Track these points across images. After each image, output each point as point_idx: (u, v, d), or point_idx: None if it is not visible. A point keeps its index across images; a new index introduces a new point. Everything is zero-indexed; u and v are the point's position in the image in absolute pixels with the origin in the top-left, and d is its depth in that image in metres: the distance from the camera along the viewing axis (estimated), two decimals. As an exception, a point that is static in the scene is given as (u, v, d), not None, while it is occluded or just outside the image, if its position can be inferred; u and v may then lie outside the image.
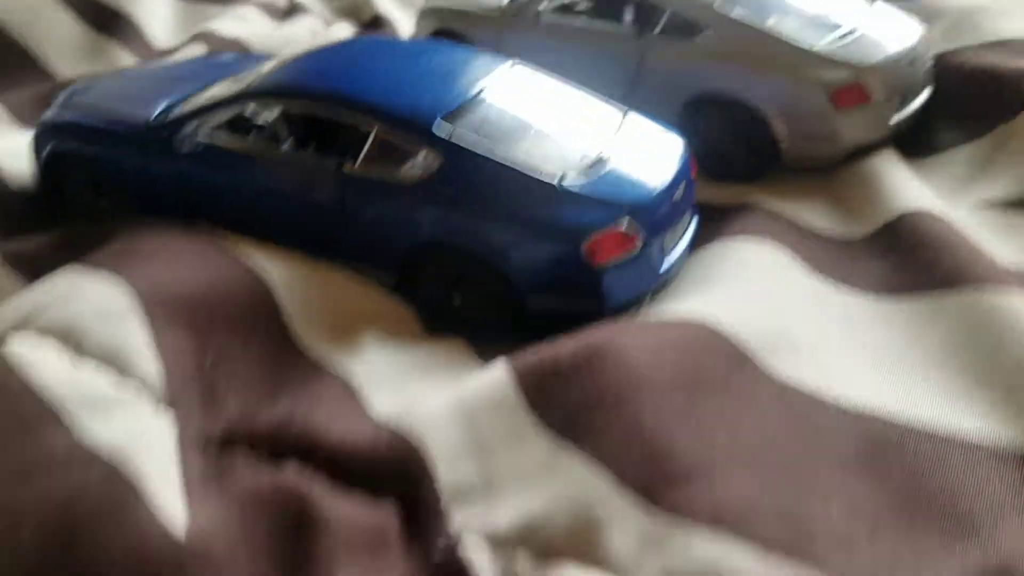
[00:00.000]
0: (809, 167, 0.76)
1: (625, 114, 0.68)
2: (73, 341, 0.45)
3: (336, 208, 0.62)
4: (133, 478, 0.39)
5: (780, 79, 0.74)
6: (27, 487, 0.38)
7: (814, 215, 0.70)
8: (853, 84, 0.73)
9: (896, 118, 0.75)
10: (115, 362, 0.45)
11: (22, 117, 0.84)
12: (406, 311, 0.62)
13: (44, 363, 0.44)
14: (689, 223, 0.67)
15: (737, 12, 0.77)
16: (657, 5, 0.79)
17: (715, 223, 0.69)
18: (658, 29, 0.79)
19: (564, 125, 0.66)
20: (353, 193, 0.62)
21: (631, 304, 0.62)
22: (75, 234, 0.63)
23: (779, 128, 0.74)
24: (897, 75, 0.76)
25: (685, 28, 0.78)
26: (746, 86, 0.75)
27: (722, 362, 0.49)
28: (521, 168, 0.61)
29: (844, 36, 0.77)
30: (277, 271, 0.57)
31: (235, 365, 0.49)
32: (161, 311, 0.49)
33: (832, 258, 0.64)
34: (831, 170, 0.75)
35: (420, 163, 0.61)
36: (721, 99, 0.76)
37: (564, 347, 0.50)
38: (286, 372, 0.51)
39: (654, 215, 0.61)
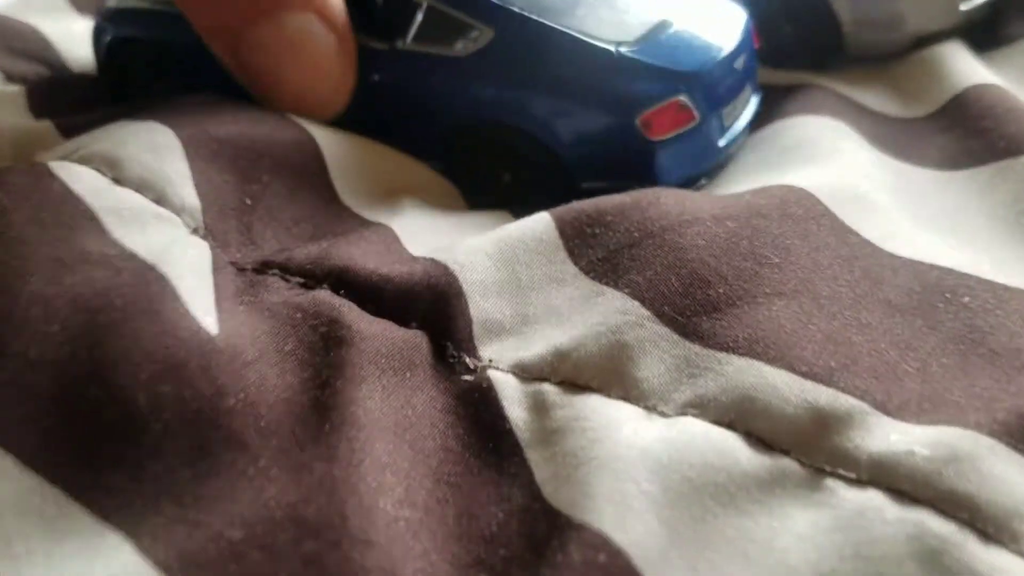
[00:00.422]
0: (873, 55, 0.72)
1: None
2: (114, 167, 0.44)
3: (390, 87, 0.59)
4: (167, 279, 0.38)
5: (844, -43, 0.70)
6: (61, 280, 0.37)
7: (877, 99, 0.66)
8: (923, -36, 0.69)
9: (967, 5, 0.71)
10: (154, 188, 0.44)
11: (79, 4, 0.83)
12: (453, 187, 0.60)
13: (85, 177, 0.43)
14: (750, 98, 0.61)
15: None
16: None
17: (773, 103, 0.66)
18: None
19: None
20: (405, 70, 0.58)
21: (687, 184, 0.56)
22: (132, 107, 0.62)
23: (842, 12, 0.71)
24: (971, -43, 0.71)
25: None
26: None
27: (781, 198, 0.46)
28: (577, 34, 0.55)
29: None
30: (326, 136, 0.55)
31: (275, 207, 0.48)
32: (204, 151, 0.47)
33: (894, 135, 0.60)
34: (896, 58, 0.71)
35: (473, 35, 0.57)
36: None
37: (610, 199, 0.48)
38: (327, 223, 0.50)
39: (715, 87, 0.55)
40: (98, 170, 0.44)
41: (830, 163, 0.53)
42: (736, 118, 0.59)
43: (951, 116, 0.60)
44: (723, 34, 0.58)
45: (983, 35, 0.73)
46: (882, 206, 0.49)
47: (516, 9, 0.56)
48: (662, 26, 0.57)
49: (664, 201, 0.46)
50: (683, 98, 0.54)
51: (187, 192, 0.44)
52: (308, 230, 0.48)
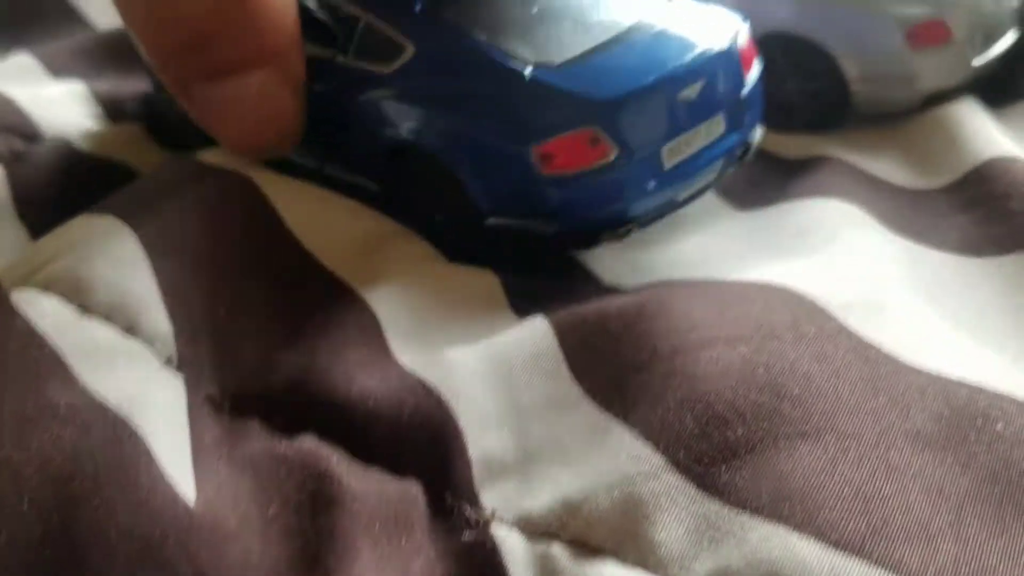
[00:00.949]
0: (883, 113, 0.69)
1: None
2: (80, 293, 0.42)
3: (330, 99, 0.55)
4: (140, 436, 0.36)
5: (852, 11, 0.67)
6: (29, 443, 0.34)
7: (889, 166, 0.63)
8: (932, 20, 0.66)
9: (979, 60, 0.68)
10: (124, 314, 0.41)
11: (55, 68, 0.79)
12: (426, 245, 0.57)
13: (49, 311, 0.41)
14: (724, 132, 0.53)
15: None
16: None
17: (780, 178, 0.62)
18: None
19: (589, 6, 0.54)
20: (343, 84, 0.54)
21: (606, 228, 0.50)
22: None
23: (849, 69, 0.68)
24: (982, 13, 0.68)
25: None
26: (812, 20, 0.67)
27: (792, 314, 0.43)
28: (493, 53, 0.49)
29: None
30: (281, 191, 0.52)
31: (250, 306, 0.45)
32: (171, 258, 0.45)
33: (910, 213, 0.57)
34: (907, 117, 0.68)
35: (399, 52, 0.53)
36: (783, 36, 0.69)
37: (612, 303, 0.45)
38: (305, 301, 0.47)
39: (645, 118, 0.48)
40: (64, 297, 0.41)
41: (840, 257, 0.50)
42: (691, 156, 0.51)
43: (971, 191, 0.57)
44: (679, 53, 0.51)
45: (996, 89, 0.70)
46: (900, 308, 0.46)
47: (439, 24, 0.52)
48: (611, 43, 0.51)
49: (671, 309, 0.43)
50: (595, 130, 0.47)
51: (158, 317, 0.42)
52: (287, 324, 0.45)
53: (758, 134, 0.57)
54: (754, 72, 0.55)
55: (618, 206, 0.50)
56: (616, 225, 0.50)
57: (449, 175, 0.51)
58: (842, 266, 0.49)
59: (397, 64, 0.53)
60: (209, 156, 0.55)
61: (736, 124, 0.53)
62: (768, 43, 0.69)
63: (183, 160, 0.54)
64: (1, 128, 0.67)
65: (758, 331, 0.41)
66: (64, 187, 0.62)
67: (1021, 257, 0.51)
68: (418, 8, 0.53)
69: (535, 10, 0.53)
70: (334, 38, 0.56)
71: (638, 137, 0.48)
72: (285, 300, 0.45)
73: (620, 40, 0.51)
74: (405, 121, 0.52)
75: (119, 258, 0.43)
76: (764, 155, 0.65)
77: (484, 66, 0.50)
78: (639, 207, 0.50)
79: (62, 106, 0.70)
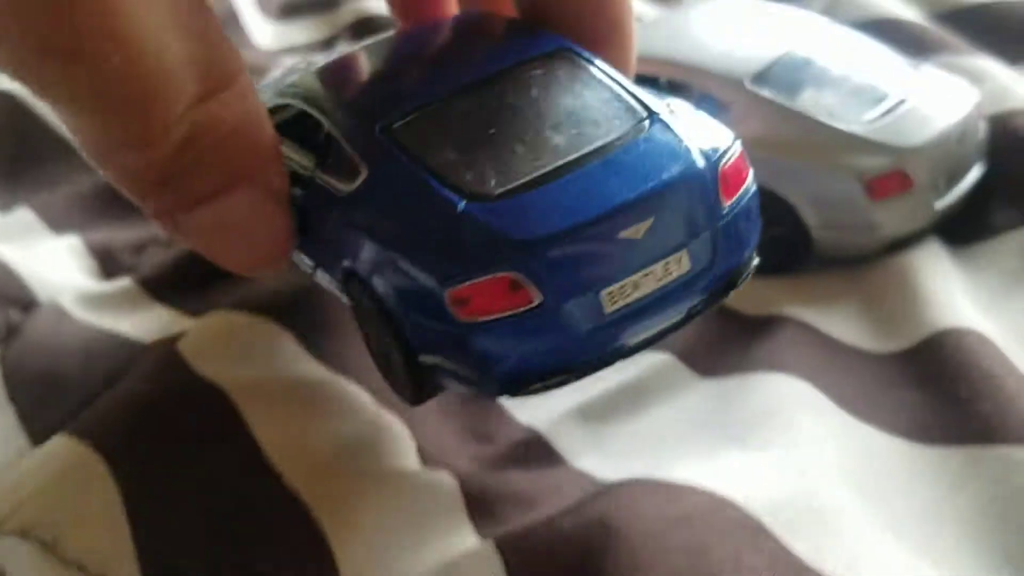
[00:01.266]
0: (844, 257, 0.70)
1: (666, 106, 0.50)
2: (56, 543, 0.45)
3: (304, 215, 0.53)
4: None
5: (809, 165, 0.68)
6: None
7: (847, 324, 0.64)
8: (892, 171, 0.67)
9: (942, 203, 0.69)
10: (95, 565, 0.45)
11: (54, 222, 0.79)
12: (398, 430, 0.59)
13: (27, 563, 0.44)
14: (698, 265, 0.47)
15: (766, 91, 0.71)
16: (685, 82, 0.74)
17: (740, 341, 0.62)
18: (683, 109, 0.73)
19: (554, 124, 0.48)
20: (314, 200, 0.52)
21: (537, 378, 0.45)
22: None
23: (809, 217, 0.69)
24: (945, 155, 0.69)
25: (711, 107, 0.72)
26: (772, 171, 0.68)
27: (735, 545, 0.46)
28: (432, 182, 0.46)
29: (888, 111, 0.70)
30: (259, 413, 0.55)
31: (224, 549, 0.48)
32: (148, 506, 0.48)
33: (863, 386, 0.58)
34: (869, 262, 0.69)
35: (357, 173, 0.49)
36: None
37: (562, 526, 0.47)
38: (266, 529, 0.50)
39: (571, 259, 0.44)
40: (40, 544, 0.45)
41: (793, 453, 0.52)
42: (643, 299, 0.45)
43: (924, 365, 0.58)
44: (627, 186, 0.45)
45: (961, 227, 0.71)
46: (844, 519, 0.48)
47: (392, 147, 0.48)
48: (559, 171, 0.46)
49: (617, 544, 0.45)
50: (514, 274, 0.43)
51: (131, 570, 0.45)
52: (246, 547, 0.48)
53: (752, 261, 0.50)
54: (743, 194, 0.49)
55: (549, 355, 0.45)
56: (550, 375, 0.45)
57: (385, 310, 0.47)
58: (793, 467, 0.50)
59: (353, 186, 0.50)
60: (189, 349, 0.59)
61: (710, 258, 0.47)
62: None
63: (164, 368, 0.57)
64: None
65: (704, 561, 0.43)
66: (57, 364, 0.65)
67: (965, 452, 0.52)
68: (377, 128, 0.49)
69: (492, 129, 0.48)
70: (311, 152, 0.54)
71: (567, 282, 0.44)
72: (249, 526, 0.48)
73: (570, 168, 0.46)
74: (349, 247, 0.49)
75: (94, 508, 0.46)
76: (723, 311, 0.67)
77: (421, 196, 0.46)
78: (575, 357, 0.45)
79: (58, 265, 0.74)
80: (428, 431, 0.59)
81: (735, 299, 0.67)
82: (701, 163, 0.46)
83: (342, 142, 0.51)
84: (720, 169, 0.47)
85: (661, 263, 0.46)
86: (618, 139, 0.48)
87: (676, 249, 0.46)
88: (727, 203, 0.48)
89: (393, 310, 0.46)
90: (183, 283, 0.73)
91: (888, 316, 0.64)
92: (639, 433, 0.58)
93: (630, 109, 0.49)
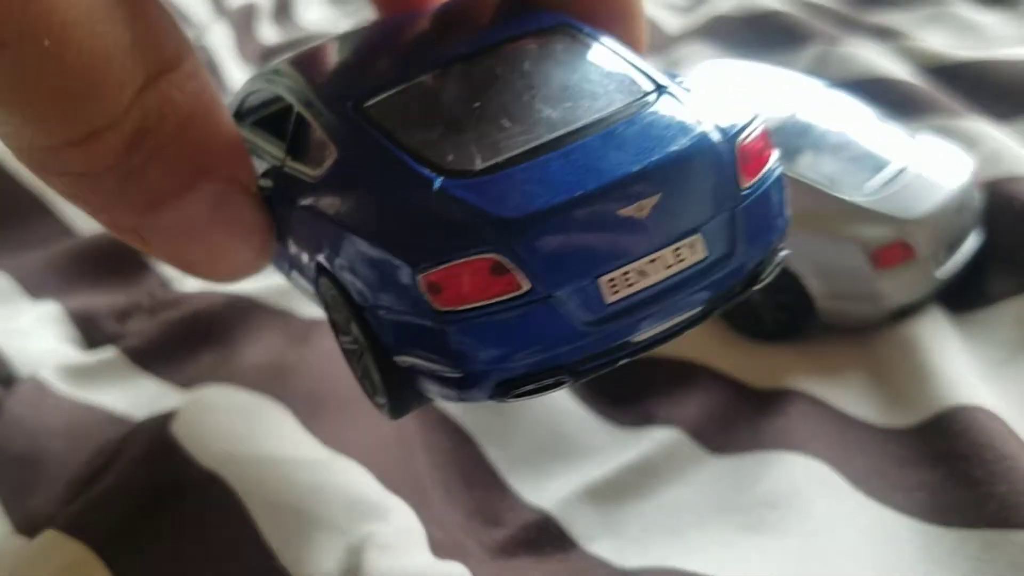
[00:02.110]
0: (849, 327, 0.70)
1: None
2: None
3: (275, 210, 0.48)
4: None
5: (814, 234, 0.68)
6: None
7: (855, 397, 0.64)
8: (895, 242, 0.67)
9: (943, 272, 0.69)
10: None
11: (32, 288, 0.75)
12: (407, 518, 0.57)
13: None
14: (715, 252, 0.41)
15: (769, 158, 0.71)
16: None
17: (750, 417, 0.61)
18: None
19: (546, 97, 0.44)
20: (281, 193, 0.47)
21: (527, 378, 0.39)
22: None
23: (813, 286, 0.69)
24: (945, 224, 0.69)
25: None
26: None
27: None
28: (405, 158, 0.41)
29: (889, 181, 0.70)
30: (264, 507, 0.53)
31: None
32: None
33: (876, 464, 0.58)
34: (873, 333, 0.69)
35: (326, 154, 0.45)
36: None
37: None
38: None
39: (563, 240, 0.38)
40: None
41: (808, 541, 0.51)
42: (651, 288, 0.40)
43: (936, 441, 0.58)
44: (631, 157, 0.39)
45: (961, 294, 0.71)
46: None
47: (362, 124, 0.43)
48: (552, 144, 0.41)
49: None
50: (498, 256, 0.38)
51: None
52: None
53: (780, 253, 0.44)
54: (765, 175, 0.43)
55: (541, 352, 0.39)
56: (542, 375, 0.39)
57: (353, 304, 0.42)
58: (814, 556, 0.49)
59: (321, 170, 0.44)
60: (184, 433, 0.56)
61: (729, 245, 0.41)
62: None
63: (159, 455, 0.54)
64: None
65: None
66: (40, 443, 0.62)
67: (983, 536, 0.51)
68: (349, 106, 0.44)
69: (476, 104, 0.43)
70: (282, 142, 0.49)
71: (560, 266, 0.38)
72: None
73: (564, 141, 0.41)
74: (317, 239, 0.44)
75: None
76: (732, 384, 0.66)
77: (395, 176, 0.41)
78: (571, 354, 0.39)
79: (37, 334, 0.71)
80: (435, 514, 0.57)
81: (741, 371, 0.67)
82: (716, 137, 0.41)
83: (313, 123, 0.45)
84: (738, 145, 0.41)
85: (671, 248, 0.40)
86: (620, 111, 0.42)
87: (688, 233, 0.40)
88: (747, 183, 0.42)
89: (363, 304, 0.41)
90: (170, 352, 0.70)
91: (896, 390, 0.63)
92: (652, 516, 0.57)
93: (635, 82, 0.44)
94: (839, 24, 1.06)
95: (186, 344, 0.70)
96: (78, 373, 0.68)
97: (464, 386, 0.40)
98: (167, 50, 0.37)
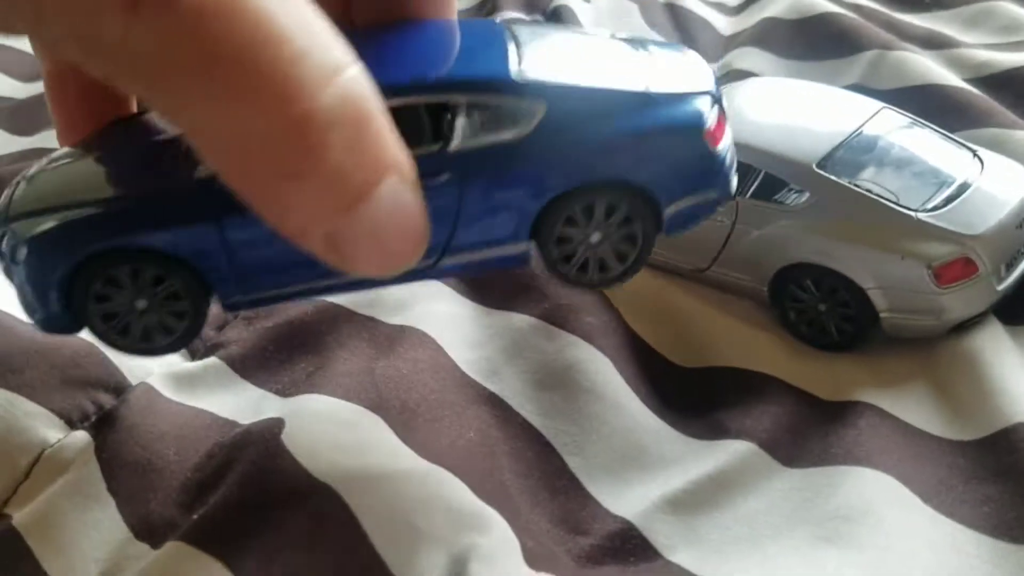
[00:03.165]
0: (910, 337, 0.73)
1: None
2: None
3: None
4: None
5: (878, 251, 0.71)
6: None
7: (920, 410, 0.67)
8: (958, 259, 0.70)
9: (1003, 286, 0.72)
10: None
11: None
12: (502, 529, 0.58)
13: None
14: None
15: (835, 175, 0.74)
16: (751, 164, 0.76)
17: (820, 428, 0.64)
18: (750, 191, 0.76)
19: None
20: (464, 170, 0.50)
21: None
22: None
23: (879, 301, 0.71)
24: (1005, 239, 0.72)
25: (779, 191, 0.75)
26: (842, 257, 0.70)
27: None
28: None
29: (952, 198, 0.72)
30: (373, 514, 0.57)
31: None
32: None
33: (943, 478, 0.61)
34: (934, 345, 0.72)
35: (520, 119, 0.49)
36: (817, 268, 0.73)
37: None
38: None
39: None
40: None
41: (884, 555, 0.54)
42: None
43: (1001, 455, 0.60)
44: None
45: (1014, 305, 0.73)
46: None
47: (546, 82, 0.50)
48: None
49: None
50: None
51: None
52: None
53: None
54: None
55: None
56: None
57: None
58: (891, 571, 0.52)
59: (522, 130, 0.49)
60: (294, 442, 0.60)
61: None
62: (802, 271, 0.74)
63: (271, 463, 0.58)
64: None
65: None
66: (153, 448, 0.66)
67: None
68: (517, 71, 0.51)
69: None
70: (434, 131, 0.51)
71: None
72: None
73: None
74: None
75: None
76: (800, 395, 0.69)
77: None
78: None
79: None
80: (524, 523, 0.61)
81: (808, 382, 0.70)
82: None
83: (482, 101, 0.50)
84: None
85: None
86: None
87: None
88: None
89: None
90: (268, 359, 0.74)
91: (959, 403, 0.66)
92: (729, 526, 0.60)
93: None
94: (887, 27, 1.07)
95: (282, 352, 0.73)
96: (185, 380, 0.72)
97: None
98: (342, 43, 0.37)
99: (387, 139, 0.39)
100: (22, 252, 0.49)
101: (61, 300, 0.50)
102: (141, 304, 0.51)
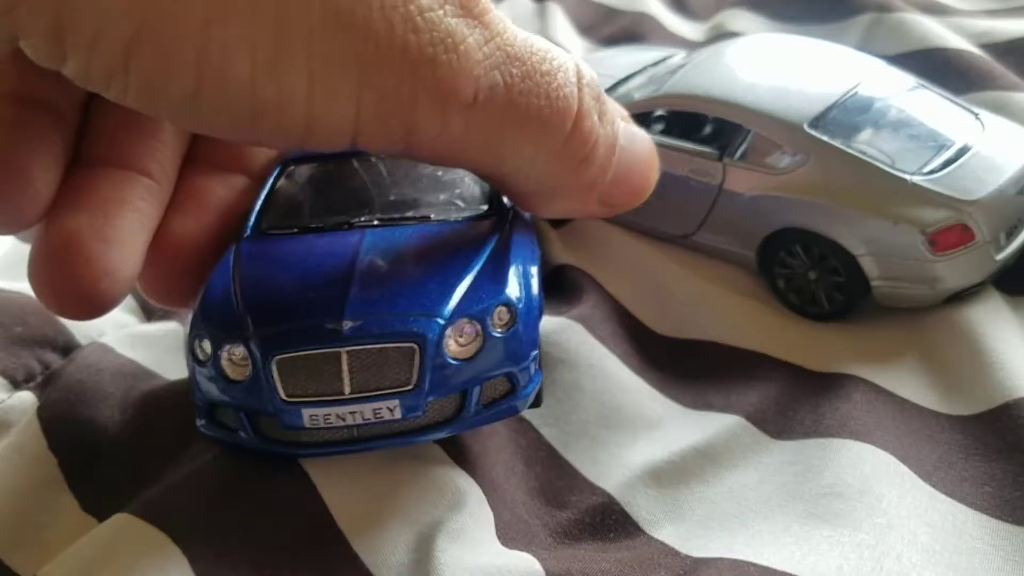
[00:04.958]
0: (903, 307, 0.70)
1: None
2: None
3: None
4: None
5: (870, 215, 0.67)
6: None
7: (915, 384, 0.63)
8: (955, 225, 0.66)
9: (1002, 255, 0.68)
10: None
11: None
12: (475, 500, 0.55)
13: None
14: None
15: (828, 136, 0.70)
16: (740, 124, 0.72)
17: (810, 400, 0.61)
18: (739, 153, 0.72)
19: None
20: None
21: None
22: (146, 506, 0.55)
23: (870, 268, 0.68)
24: (1005, 206, 0.68)
25: (769, 153, 0.71)
26: (833, 222, 0.67)
27: None
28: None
29: (950, 161, 0.69)
30: (340, 497, 0.54)
31: None
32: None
33: (941, 455, 0.57)
34: (928, 314, 0.69)
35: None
36: (806, 232, 0.70)
37: (601, 562, 0.47)
38: None
39: None
40: None
41: (883, 535, 0.50)
42: None
43: (1000, 432, 0.57)
44: None
45: (1015, 276, 0.70)
46: None
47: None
48: None
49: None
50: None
51: None
52: None
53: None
54: None
55: None
56: None
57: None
58: (889, 552, 0.49)
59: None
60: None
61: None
62: (791, 236, 0.70)
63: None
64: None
65: None
66: (100, 412, 0.63)
67: None
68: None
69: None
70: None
71: None
72: None
73: None
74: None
75: None
76: (789, 367, 0.66)
77: None
78: None
79: None
80: (499, 493, 0.58)
81: (797, 354, 0.67)
82: None
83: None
84: None
85: None
86: None
87: None
88: None
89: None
90: None
91: (956, 376, 0.63)
92: (717, 501, 0.56)
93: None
94: None
95: None
96: (140, 340, 0.69)
97: None
98: None
99: (606, 96, 0.48)
100: None
101: None
102: None
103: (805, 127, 0.70)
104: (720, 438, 0.59)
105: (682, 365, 0.68)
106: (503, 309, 0.52)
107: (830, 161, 0.69)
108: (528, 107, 0.42)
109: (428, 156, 0.43)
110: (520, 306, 0.53)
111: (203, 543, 0.48)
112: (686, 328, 0.71)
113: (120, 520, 0.51)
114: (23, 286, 0.71)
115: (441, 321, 0.50)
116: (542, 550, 0.54)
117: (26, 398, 0.64)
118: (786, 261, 0.71)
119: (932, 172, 0.68)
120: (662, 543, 0.54)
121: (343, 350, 0.48)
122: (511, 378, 0.53)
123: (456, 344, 0.51)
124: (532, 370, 0.54)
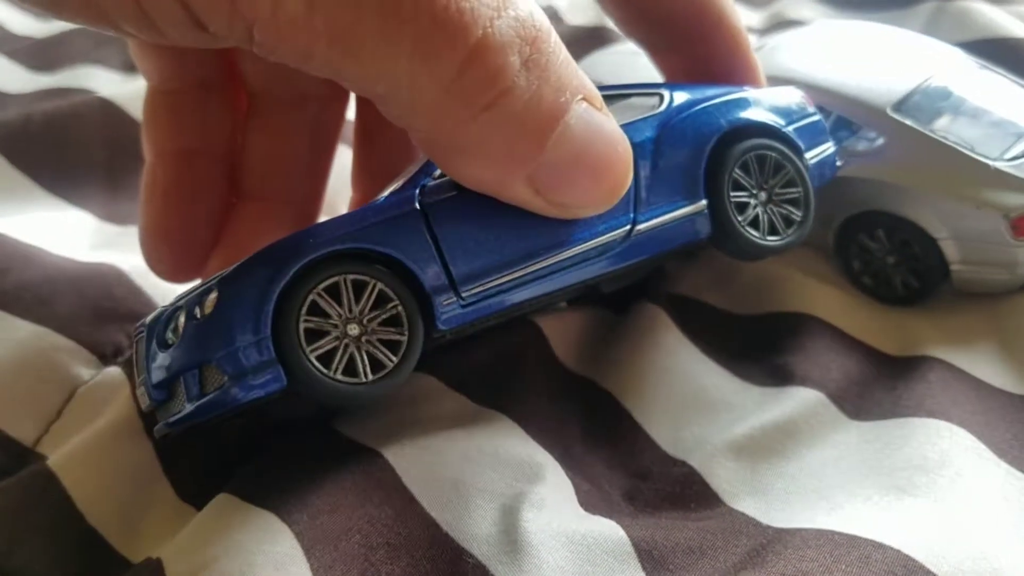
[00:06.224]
0: (979, 293, 0.70)
1: None
2: None
3: None
4: None
5: (954, 202, 0.68)
6: None
7: (991, 366, 0.64)
8: (1037, 209, 0.67)
9: (1081, 242, 0.69)
10: None
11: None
12: (555, 472, 0.56)
13: None
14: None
15: (911, 120, 0.70)
16: (822, 106, 0.73)
17: (888, 382, 0.62)
18: (821, 133, 0.72)
19: None
20: None
21: None
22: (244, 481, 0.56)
23: (950, 252, 0.69)
24: (1085, 194, 0.69)
25: (851, 135, 0.72)
26: (916, 206, 0.68)
27: None
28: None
29: (1030, 147, 0.69)
30: (416, 477, 0.54)
31: None
32: (326, 555, 0.48)
33: (1018, 433, 0.59)
34: (1004, 299, 0.69)
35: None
36: (888, 215, 0.70)
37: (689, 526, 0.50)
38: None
39: None
40: None
41: (956, 504, 0.51)
42: None
43: None
44: None
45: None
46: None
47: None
48: None
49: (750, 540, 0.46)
50: None
51: None
52: None
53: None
54: None
55: None
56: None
57: None
58: (974, 525, 0.49)
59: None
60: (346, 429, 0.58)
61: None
62: (874, 219, 0.70)
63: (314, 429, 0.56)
64: None
65: None
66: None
67: None
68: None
69: None
70: None
71: None
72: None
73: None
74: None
75: (279, 559, 0.45)
76: (865, 348, 0.66)
77: None
78: None
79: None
80: (580, 466, 0.58)
81: (872, 335, 0.67)
82: None
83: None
84: None
85: None
86: None
87: None
88: None
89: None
90: None
91: None
92: (795, 476, 0.57)
93: None
94: None
95: None
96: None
97: None
98: None
99: (569, 63, 0.39)
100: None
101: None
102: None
103: (888, 111, 0.71)
104: (800, 414, 0.60)
105: (758, 340, 0.68)
106: None
107: (912, 145, 0.70)
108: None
109: (273, 45, 0.35)
110: None
111: (303, 518, 0.49)
112: (759, 303, 0.71)
113: (223, 501, 0.52)
114: (109, 256, 0.72)
115: None
116: (625, 517, 0.54)
117: (115, 374, 0.64)
118: (866, 244, 0.71)
119: (1014, 158, 0.69)
120: (743, 514, 0.54)
121: None
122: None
123: None
124: None
